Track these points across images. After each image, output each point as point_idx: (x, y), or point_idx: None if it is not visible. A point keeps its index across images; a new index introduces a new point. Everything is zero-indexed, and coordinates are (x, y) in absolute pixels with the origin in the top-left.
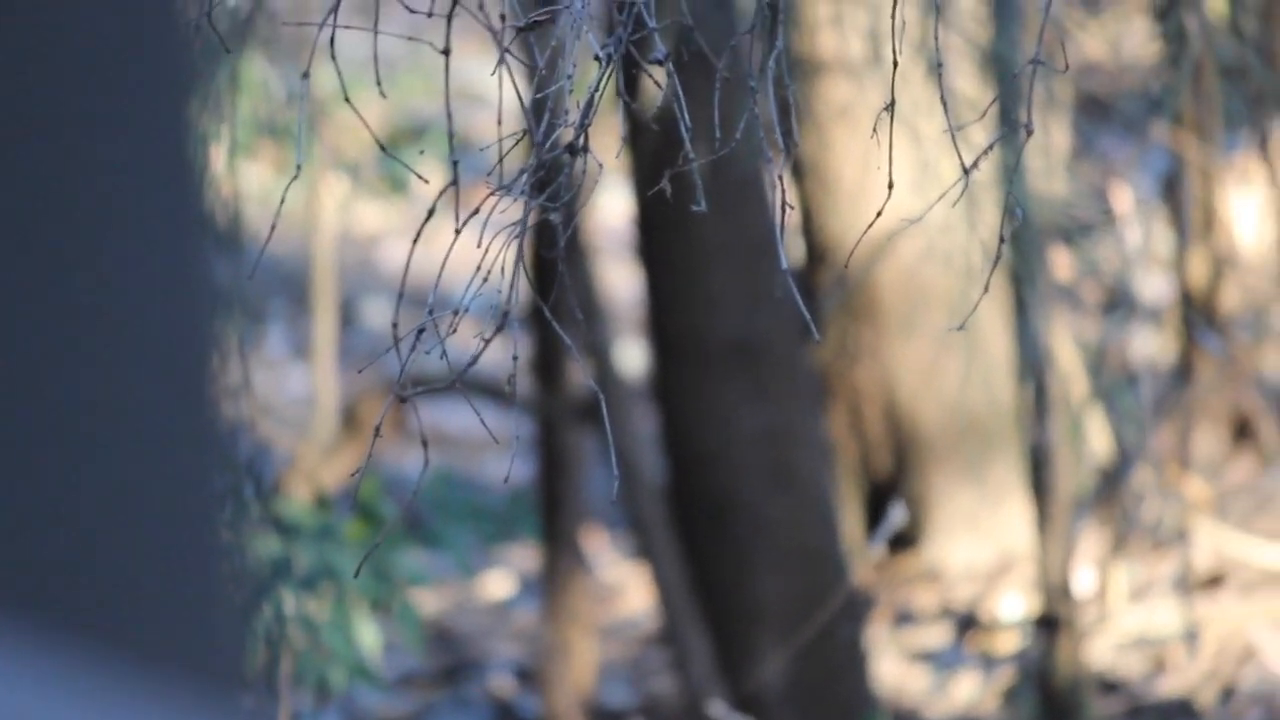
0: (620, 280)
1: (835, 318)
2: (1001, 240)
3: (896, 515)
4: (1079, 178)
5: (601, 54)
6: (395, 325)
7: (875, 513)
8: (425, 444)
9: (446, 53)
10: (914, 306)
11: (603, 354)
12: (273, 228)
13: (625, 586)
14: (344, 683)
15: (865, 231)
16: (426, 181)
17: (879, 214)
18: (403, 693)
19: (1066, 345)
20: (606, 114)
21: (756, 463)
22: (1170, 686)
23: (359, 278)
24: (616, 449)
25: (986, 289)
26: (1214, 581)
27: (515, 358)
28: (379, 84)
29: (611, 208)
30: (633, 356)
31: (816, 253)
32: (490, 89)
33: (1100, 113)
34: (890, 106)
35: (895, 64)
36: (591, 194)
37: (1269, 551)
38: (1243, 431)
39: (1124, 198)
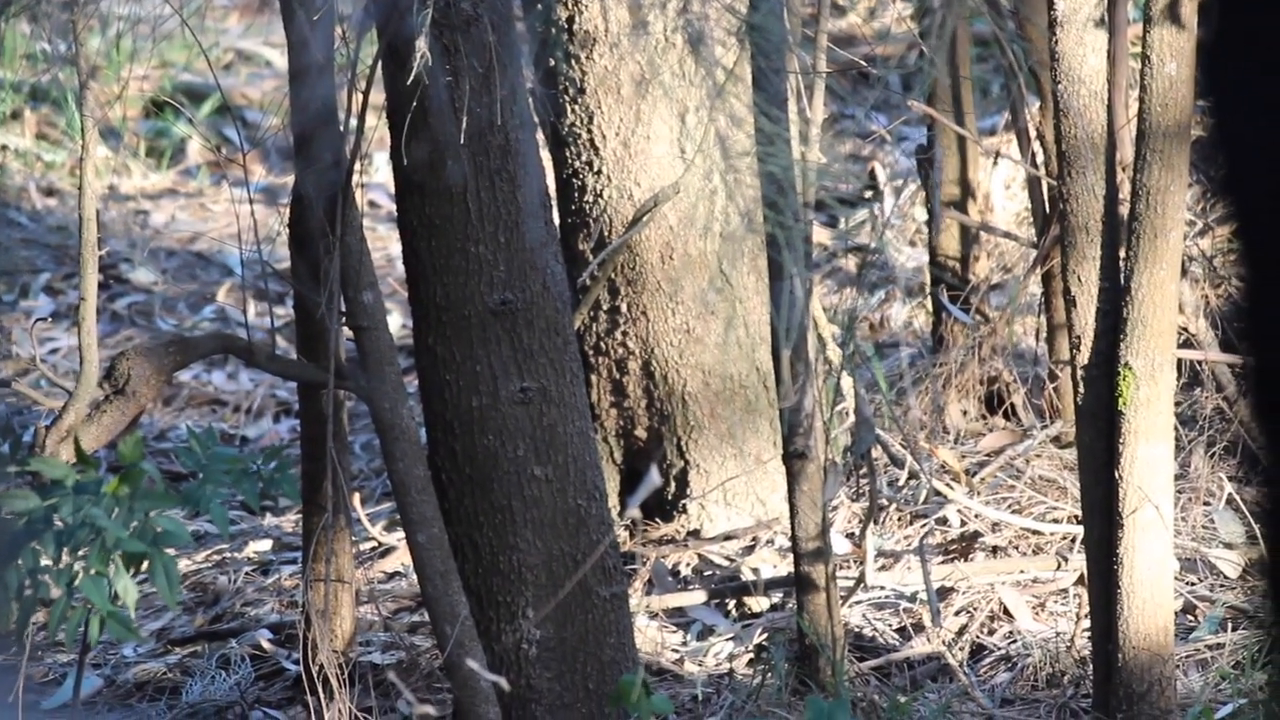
0: (394, 246)
1: (598, 284)
2: (745, 216)
3: (652, 478)
4: (838, 148)
5: (361, 23)
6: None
7: (637, 477)
8: (188, 405)
9: (211, 21)
10: (675, 273)
11: (369, 319)
12: (3, 190)
13: (387, 547)
14: (101, 637)
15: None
16: (209, 145)
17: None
18: (163, 649)
19: (823, 314)
20: (371, 83)
21: (518, 426)
22: (922, 647)
23: (128, 240)
24: (379, 412)
25: (725, 262)
26: (965, 545)
27: (273, 321)
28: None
29: (386, 175)
30: (399, 321)
31: (580, 220)
32: (260, 56)
33: (859, 84)
34: (651, 77)
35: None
36: (357, 161)
37: (1018, 517)
38: (995, 401)
39: (881, 169)
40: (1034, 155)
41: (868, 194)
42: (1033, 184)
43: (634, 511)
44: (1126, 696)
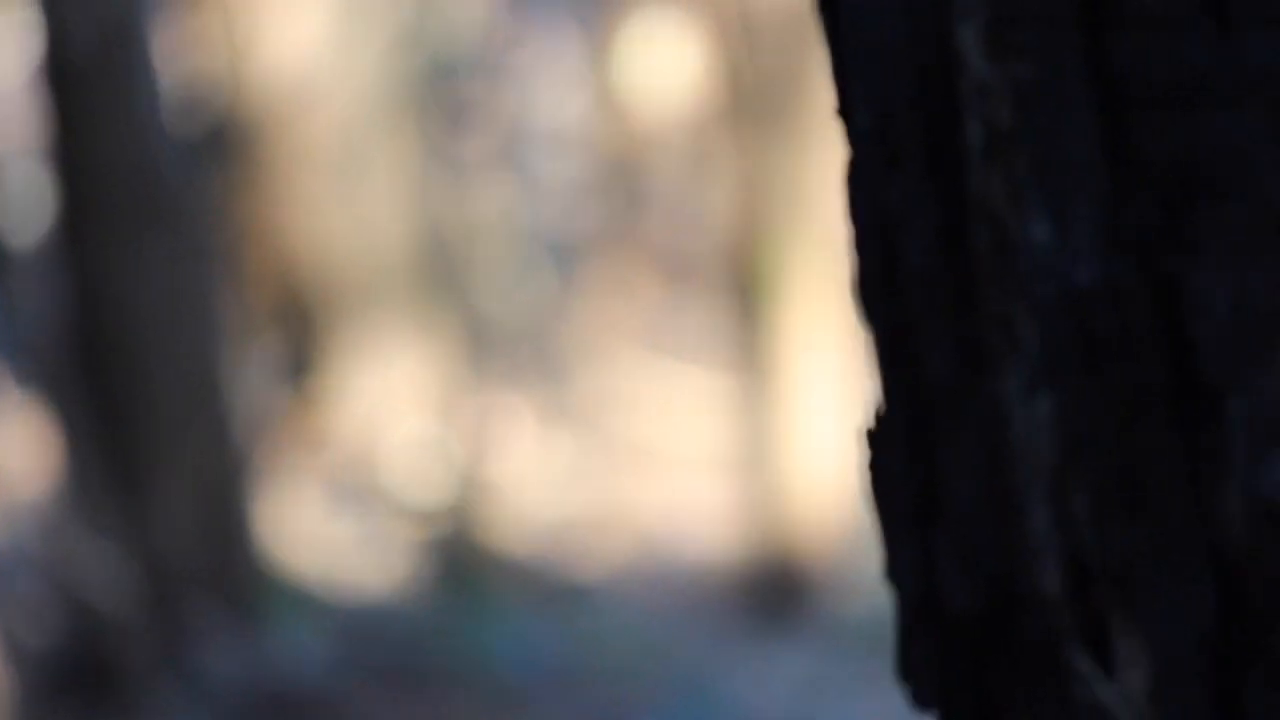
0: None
1: (237, 163)
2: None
3: (271, 365)
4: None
5: None
6: None
7: (289, 360)
8: None
9: None
10: (318, 151)
11: None
12: None
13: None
14: None
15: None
16: None
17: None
18: None
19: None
20: None
21: (156, 315)
22: (579, 562)
23: None
24: (20, 303)
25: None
26: (625, 456)
27: None
28: None
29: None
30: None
31: (221, 97)
32: None
33: None
34: None
35: None
36: None
37: (673, 394)
38: (667, 268)
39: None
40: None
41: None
42: None
43: (261, 397)
44: (786, 577)
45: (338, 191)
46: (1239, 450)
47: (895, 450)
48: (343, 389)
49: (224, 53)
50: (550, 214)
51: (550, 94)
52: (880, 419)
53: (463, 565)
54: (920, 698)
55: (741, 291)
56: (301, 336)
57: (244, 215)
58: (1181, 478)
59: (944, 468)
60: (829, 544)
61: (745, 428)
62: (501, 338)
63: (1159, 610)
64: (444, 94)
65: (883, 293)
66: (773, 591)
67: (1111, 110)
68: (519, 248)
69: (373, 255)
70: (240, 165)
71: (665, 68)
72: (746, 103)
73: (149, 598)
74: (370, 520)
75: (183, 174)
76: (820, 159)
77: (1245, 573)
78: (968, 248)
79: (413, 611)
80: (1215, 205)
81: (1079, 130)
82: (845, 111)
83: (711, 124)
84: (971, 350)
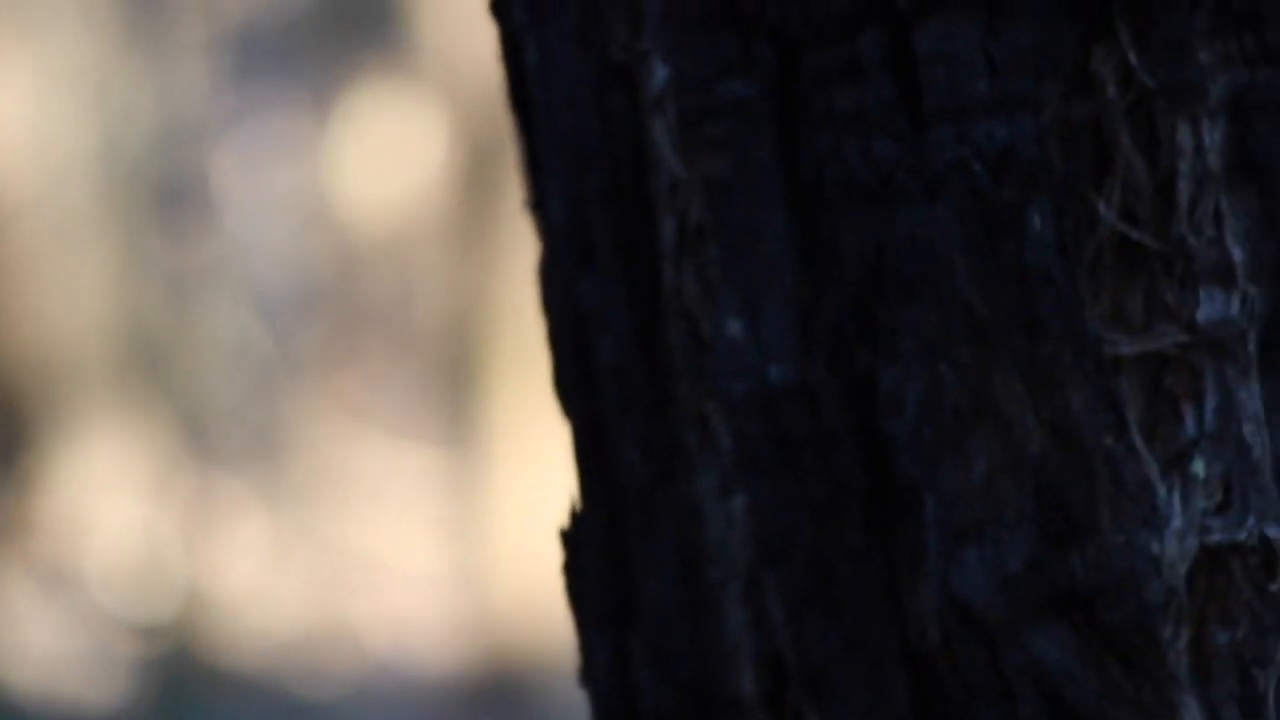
0: None
1: None
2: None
3: None
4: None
5: None
6: None
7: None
8: None
9: None
10: (15, 239)
11: None
12: None
13: None
14: None
15: None
16: None
17: None
18: None
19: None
20: None
21: None
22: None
23: None
24: None
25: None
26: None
27: None
28: None
29: None
30: None
31: None
32: None
33: None
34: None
35: None
36: None
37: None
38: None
39: None
40: None
41: None
42: None
43: None
44: (509, 686)
45: (44, 277)
46: (932, 548)
47: (590, 549)
48: (52, 481)
49: None
50: (267, 294)
51: (271, 168)
52: (576, 517)
53: (183, 679)
54: None
55: (461, 378)
56: (8, 427)
57: None
58: (876, 576)
59: (638, 567)
60: (551, 649)
61: (462, 531)
62: (218, 424)
63: (854, 710)
64: (158, 176)
65: (577, 388)
66: (496, 703)
67: (803, 207)
68: (235, 329)
69: (82, 343)
70: None
71: (397, 141)
72: (482, 180)
73: None
74: (82, 625)
75: None
76: None
77: (939, 671)
78: (661, 344)
79: None
80: (906, 301)
81: (771, 227)
82: (538, 204)
83: (443, 201)
84: (666, 448)
